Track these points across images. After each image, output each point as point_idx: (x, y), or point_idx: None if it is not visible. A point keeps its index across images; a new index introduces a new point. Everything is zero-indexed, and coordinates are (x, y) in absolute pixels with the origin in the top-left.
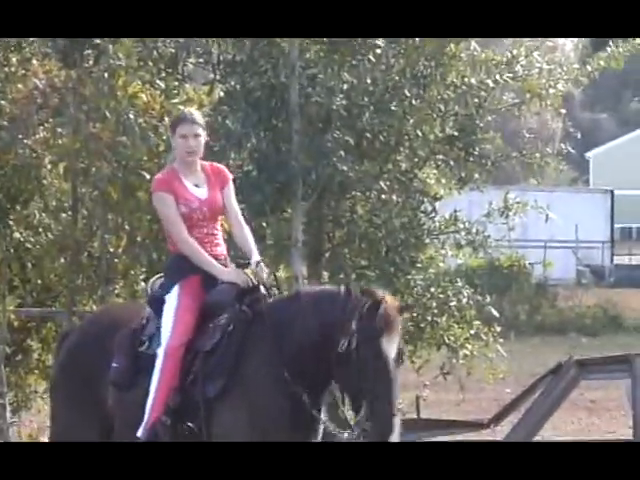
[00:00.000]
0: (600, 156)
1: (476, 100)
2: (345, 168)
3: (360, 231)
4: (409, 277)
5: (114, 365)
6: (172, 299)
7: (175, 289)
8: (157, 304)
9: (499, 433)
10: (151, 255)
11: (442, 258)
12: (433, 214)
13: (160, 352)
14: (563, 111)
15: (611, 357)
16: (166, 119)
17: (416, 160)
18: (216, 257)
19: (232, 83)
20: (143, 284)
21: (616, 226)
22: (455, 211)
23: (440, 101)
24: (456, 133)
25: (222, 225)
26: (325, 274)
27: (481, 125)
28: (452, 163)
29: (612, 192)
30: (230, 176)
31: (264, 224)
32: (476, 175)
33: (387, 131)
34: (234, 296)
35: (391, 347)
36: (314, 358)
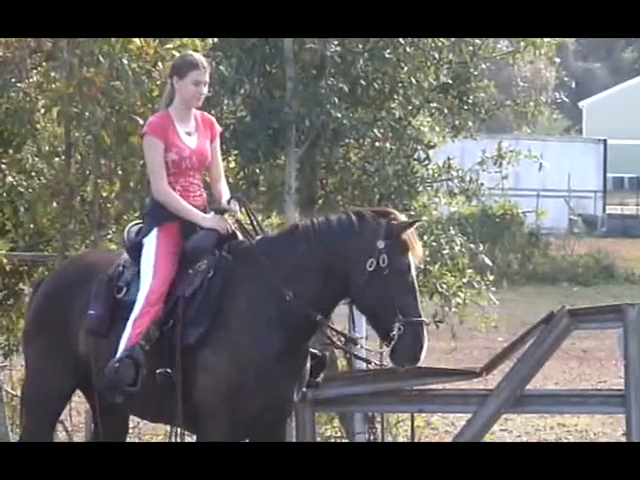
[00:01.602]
0: (593, 105)
1: (470, 48)
2: (339, 115)
3: (353, 178)
4: None
5: (90, 312)
6: (150, 244)
7: (153, 234)
8: (135, 250)
9: (491, 381)
10: (144, 200)
11: (435, 206)
12: (426, 162)
13: (140, 297)
14: (557, 60)
15: (603, 307)
16: (160, 64)
17: (410, 108)
18: (196, 207)
19: None
20: None
21: (609, 175)
22: (448, 159)
23: (434, 49)
24: (450, 81)
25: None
26: None
27: (475, 73)
28: (446, 111)
29: (605, 141)
30: (219, 129)
31: (257, 170)
32: (470, 123)
33: (381, 78)
34: (214, 242)
35: (416, 261)
36: (323, 282)
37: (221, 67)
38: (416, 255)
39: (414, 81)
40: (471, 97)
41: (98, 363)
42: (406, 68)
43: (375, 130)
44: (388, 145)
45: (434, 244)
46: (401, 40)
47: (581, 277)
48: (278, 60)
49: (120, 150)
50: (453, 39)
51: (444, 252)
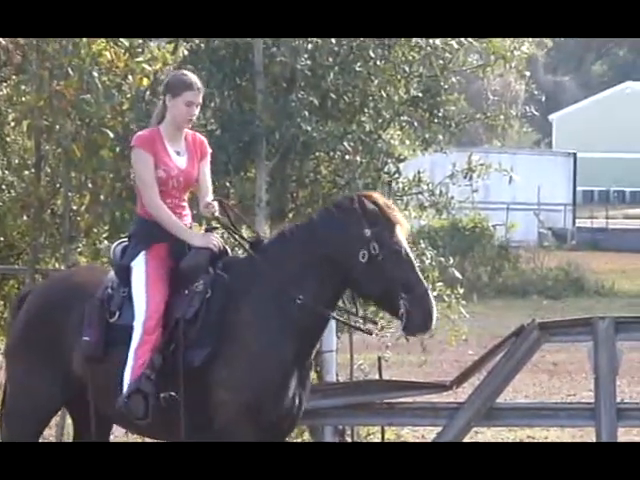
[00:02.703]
0: (563, 119)
1: (440, 61)
2: (309, 128)
3: (324, 191)
4: None
5: (85, 339)
6: (140, 268)
7: (141, 256)
8: (123, 272)
9: (461, 394)
10: (114, 213)
11: (405, 219)
12: (397, 175)
13: (137, 325)
14: (527, 73)
15: (574, 320)
16: (130, 77)
17: (380, 121)
18: None
19: (196, 42)
20: (106, 242)
21: (578, 189)
22: (419, 172)
23: (405, 62)
24: (420, 94)
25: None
26: None
27: (445, 87)
28: (416, 124)
29: (575, 155)
30: (209, 150)
31: (228, 184)
32: (440, 136)
33: (351, 92)
34: (207, 261)
35: (404, 234)
36: (323, 279)
37: None
38: (403, 227)
39: (384, 94)
40: (441, 110)
41: (96, 383)
42: (376, 81)
43: (345, 143)
44: (358, 158)
45: None
46: (371, 53)
47: (551, 290)
48: (248, 73)
49: (90, 163)
50: (424, 52)
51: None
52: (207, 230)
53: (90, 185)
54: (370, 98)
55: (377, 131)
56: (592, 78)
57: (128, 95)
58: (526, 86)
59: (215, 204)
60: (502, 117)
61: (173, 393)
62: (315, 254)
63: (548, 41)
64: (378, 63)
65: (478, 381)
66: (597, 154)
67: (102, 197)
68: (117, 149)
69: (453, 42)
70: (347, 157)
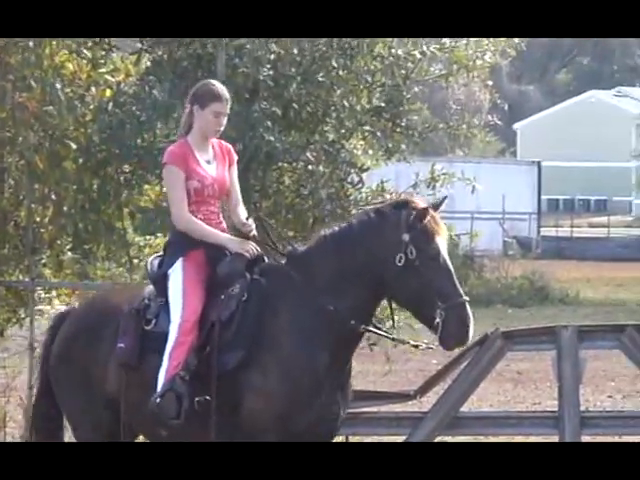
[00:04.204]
0: (527, 127)
1: (403, 71)
2: (272, 139)
3: (287, 202)
4: None
5: (120, 346)
6: (177, 274)
7: (178, 263)
8: (160, 282)
9: (425, 404)
10: (77, 225)
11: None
12: (360, 185)
13: (173, 328)
14: (490, 83)
15: (537, 328)
16: (93, 89)
17: (343, 131)
18: None
19: (159, 53)
20: (69, 254)
21: (543, 197)
22: (382, 182)
23: (367, 72)
24: (383, 104)
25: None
26: None
27: (408, 96)
28: (379, 134)
29: (539, 164)
30: (236, 157)
31: None
32: (403, 146)
33: (314, 102)
34: (244, 266)
35: (443, 242)
36: (359, 287)
37: (154, 91)
38: (443, 237)
39: (347, 104)
40: (404, 120)
41: (128, 397)
42: (339, 91)
43: (308, 153)
44: (321, 168)
45: None
46: (334, 63)
47: (515, 299)
48: None
49: (53, 175)
50: (387, 62)
51: None
52: (244, 237)
53: (53, 197)
54: (333, 108)
55: (340, 141)
56: (557, 87)
57: (91, 106)
58: (490, 95)
59: (251, 222)
60: (465, 126)
61: (208, 397)
62: (352, 259)
63: (512, 50)
64: (340, 73)
65: (442, 390)
66: (562, 163)
67: (65, 209)
68: (80, 160)
69: (415, 52)
70: (310, 167)
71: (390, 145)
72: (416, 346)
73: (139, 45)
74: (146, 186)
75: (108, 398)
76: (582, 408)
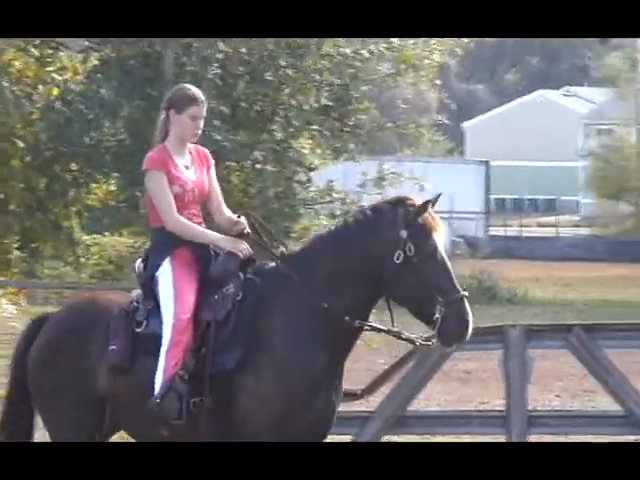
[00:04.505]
0: (475, 127)
1: (351, 70)
2: (220, 137)
3: (235, 201)
4: None
5: (112, 347)
6: (166, 274)
7: (166, 264)
8: (148, 284)
9: (372, 403)
10: (24, 224)
11: (317, 228)
12: (308, 184)
13: (167, 328)
14: (439, 82)
15: (485, 328)
16: (40, 87)
17: (291, 130)
18: None
19: (107, 51)
20: (17, 252)
21: (491, 197)
22: (330, 181)
23: (315, 71)
24: (331, 103)
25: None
26: None
27: (356, 95)
28: (327, 133)
29: (487, 163)
30: (212, 161)
31: (138, 193)
32: (351, 145)
33: (262, 101)
34: (237, 265)
35: (441, 239)
36: (356, 285)
37: (102, 90)
38: (440, 233)
39: (295, 103)
40: (352, 119)
41: (119, 399)
42: (287, 90)
43: (256, 152)
44: (269, 167)
45: None
46: (282, 62)
47: None
48: (159, 83)
49: (0, 173)
50: (335, 60)
51: None
52: (236, 236)
53: (0, 195)
54: (281, 107)
55: (288, 140)
56: (505, 86)
57: (38, 105)
58: (438, 95)
59: (243, 220)
60: (412, 126)
61: (204, 398)
62: (349, 257)
63: (460, 50)
64: (289, 72)
65: (389, 390)
66: (510, 162)
67: (12, 207)
68: (27, 159)
69: (364, 51)
70: (258, 166)
71: (338, 144)
72: (412, 341)
73: (87, 43)
74: (94, 185)
75: (96, 401)
76: (530, 407)
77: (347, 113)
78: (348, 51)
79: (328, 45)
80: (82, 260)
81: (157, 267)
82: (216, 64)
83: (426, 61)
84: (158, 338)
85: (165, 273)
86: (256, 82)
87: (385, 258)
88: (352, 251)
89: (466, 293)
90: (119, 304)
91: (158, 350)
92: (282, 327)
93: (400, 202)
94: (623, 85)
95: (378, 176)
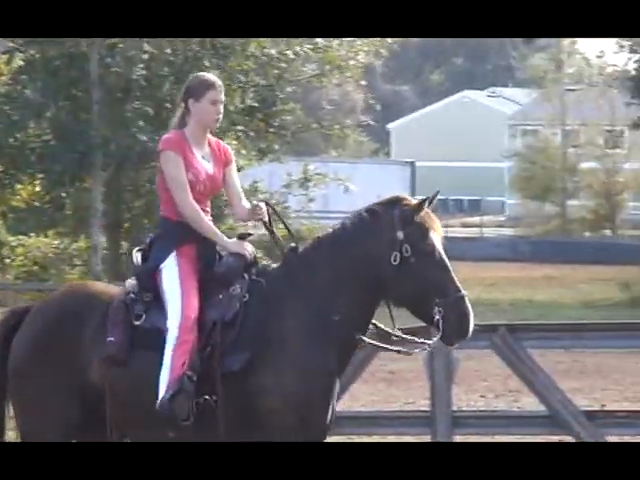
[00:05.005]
0: (401, 128)
1: (276, 71)
2: (144, 138)
3: (159, 201)
4: None
5: (110, 339)
6: (171, 269)
7: (172, 258)
8: (147, 276)
9: None
10: None
11: (242, 229)
12: None
13: (173, 326)
14: (364, 83)
15: (409, 328)
16: None
17: (216, 131)
18: None
19: (32, 52)
20: None
21: (417, 197)
22: (255, 182)
23: (240, 72)
24: (256, 104)
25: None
26: (124, 244)
27: (281, 96)
28: (252, 134)
29: (413, 164)
30: (233, 157)
31: (63, 194)
32: (276, 146)
33: None
34: (242, 266)
35: (438, 238)
36: (357, 291)
37: (26, 90)
38: (437, 232)
39: None
40: (277, 120)
41: (114, 393)
42: None
43: None
44: None
45: None
46: (207, 63)
47: None
48: (84, 83)
49: None
50: (260, 61)
51: None
52: (240, 238)
53: None
54: None
55: None
56: (431, 87)
57: None
58: (364, 95)
59: (263, 206)
60: (337, 127)
61: (208, 397)
62: (348, 261)
63: (385, 50)
64: (214, 72)
65: None
66: (435, 163)
67: None
68: None
69: (289, 52)
70: None
71: (263, 145)
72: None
73: (11, 44)
74: (18, 185)
75: (85, 393)
76: (454, 408)
77: (272, 114)
78: (273, 52)
79: (253, 46)
80: (7, 261)
81: (160, 259)
82: (141, 65)
83: (351, 62)
84: (158, 333)
85: (171, 268)
86: (181, 83)
87: (382, 260)
88: (351, 255)
89: (465, 292)
90: (110, 294)
91: (157, 345)
92: (294, 329)
93: (395, 202)
94: (548, 86)
95: (303, 177)
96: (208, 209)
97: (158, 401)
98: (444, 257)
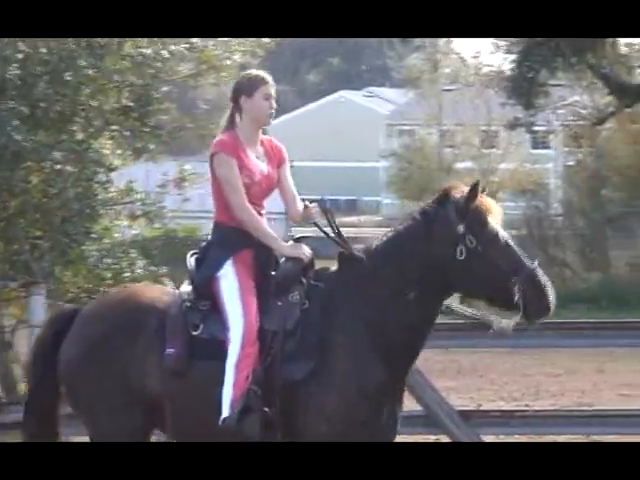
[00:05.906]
0: (278, 127)
1: (151, 71)
2: (19, 138)
3: (34, 201)
4: (83, 248)
5: (169, 350)
6: (230, 278)
7: (229, 265)
8: (204, 284)
9: None
10: None
11: (118, 229)
12: (108, 185)
13: (236, 338)
14: None
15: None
16: None
17: (91, 130)
18: None
19: None
20: None
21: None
22: (130, 182)
23: (116, 71)
24: (131, 104)
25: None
26: None
27: (157, 96)
28: (127, 134)
29: (291, 163)
30: (287, 156)
31: None
32: (151, 146)
33: (62, 101)
34: (300, 271)
35: (498, 220)
36: (427, 292)
37: None
38: (495, 215)
39: (95, 104)
40: (152, 120)
41: (176, 399)
42: (87, 91)
43: (56, 153)
44: (69, 168)
45: (116, 267)
46: (82, 62)
47: None
48: None
49: None
50: (136, 61)
51: (125, 274)
52: (296, 241)
53: None
54: (81, 107)
55: (88, 140)
56: (307, 87)
57: None
58: None
59: (316, 206)
60: (212, 126)
61: (266, 409)
62: (411, 268)
63: (260, 50)
64: (89, 72)
65: None
66: (312, 163)
67: None
68: None
69: (164, 51)
70: (58, 166)
71: (139, 145)
72: (489, 325)
73: None
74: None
75: (144, 403)
76: None
77: (147, 113)
78: (149, 51)
79: (129, 45)
80: None
81: (216, 267)
82: (16, 64)
83: (227, 62)
84: (218, 344)
85: (228, 277)
86: (56, 82)
87: (447, 259)
88: (414, 262)
89: (537, 263)
90: (163, 302)
91: (217, 355)
92: (345, 341)
93: (446, 197)
94: (425, 86)
95: (179, 176)
96: (264, 211)
97: (222, 417)
98: (508, 237)
